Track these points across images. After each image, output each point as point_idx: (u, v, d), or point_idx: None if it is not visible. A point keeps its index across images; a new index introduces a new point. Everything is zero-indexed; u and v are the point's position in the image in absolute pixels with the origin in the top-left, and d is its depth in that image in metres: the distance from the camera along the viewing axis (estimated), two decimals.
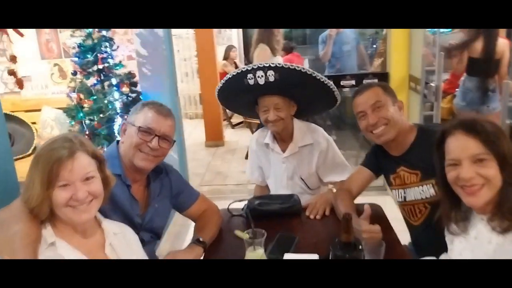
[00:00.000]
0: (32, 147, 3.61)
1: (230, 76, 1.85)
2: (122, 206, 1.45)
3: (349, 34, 4.67)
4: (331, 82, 1.84)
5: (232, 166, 4.90)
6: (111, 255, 1.21)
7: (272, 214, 1.75)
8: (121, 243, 1.26)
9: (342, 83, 3.60)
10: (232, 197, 3.98)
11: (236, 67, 6.58)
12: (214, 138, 5.73)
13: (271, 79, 1.77)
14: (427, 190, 1.61)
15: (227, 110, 6.48)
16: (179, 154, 3.82)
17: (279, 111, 1.88)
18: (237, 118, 6.61)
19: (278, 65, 1.75)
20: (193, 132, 6.46)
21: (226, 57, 6.53)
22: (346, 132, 5.57)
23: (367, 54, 5.48)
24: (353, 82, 3.59)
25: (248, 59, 6.44)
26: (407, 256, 1.51)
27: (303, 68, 1.76)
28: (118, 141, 1.54)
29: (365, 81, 3.54)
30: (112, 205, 1.40)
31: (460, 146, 1.17)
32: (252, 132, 5.07)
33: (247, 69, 1.79)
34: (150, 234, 1.54)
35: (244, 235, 1.33)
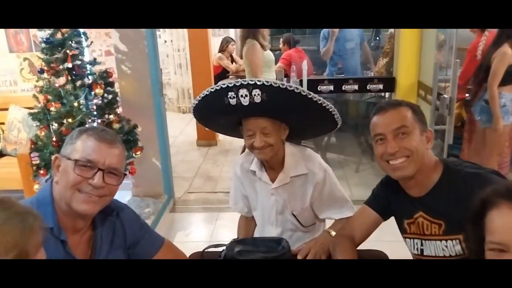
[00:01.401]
0: None
1: (207, 93, 1.50)
2: None
3: (353, 30, 4.30)
4: (331, 105, 1.50)
5: (224, 170, 4.57)
6: None
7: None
8: None
9: (344, 87, 3.26)
10: (220, 208, 3.68)
11: (233, 61, 6.21)
12: (206, 137, 5.38)
13: (257, 99, 1.42)
14: (451, 247, 1.28)
15: None
16: (163, 159, 3.49)
17: (267, 136, 1.54)
18: None
19: (266, 83, 1.40)
20: (185, 128, 6.12)
21: (222, 50, 6.14)
22: (346, 135, 5.21)
23: (371, 53, 5.13)
24: (355, 87, 3.25)
25: None
26: None
27: (297, 88, 1.41)
28: (51, 183, 1.20)
29: (369, 86, 3.20)
30: None
31: (510, 226, 0.84)
32: None
33: (227, 86, 1.44)
34: None
35: None
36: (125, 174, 1.22)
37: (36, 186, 2.77)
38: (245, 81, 1.40)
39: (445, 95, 2.55)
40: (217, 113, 1.57)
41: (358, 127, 4.96)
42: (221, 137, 5.60)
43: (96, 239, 1.23)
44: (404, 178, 1.34)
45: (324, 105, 1.46)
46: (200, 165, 4.79)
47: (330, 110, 1.49)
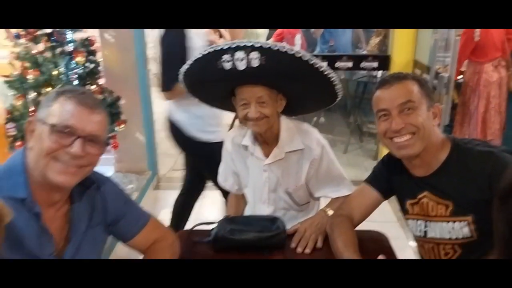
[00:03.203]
0: None
1: (200, 56, 1.37)
2: (27, 245, 1.00)
3: None
4: (334, 74, 1.38)
5: None
6: None
7: (246, 245, 1.33)
8: None
9: (337, 65, 3.14)
10: (207, 186, 3.59)
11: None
12: None
13: (255, 63, 1.30)
14: (459, 229, 1.20)
15: None
16: (147, 134, 3.35)
17: (263, 106, 1.42)
18: None
19: (265, 45, 1.27)
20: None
21: None
22: (336, 115, 5.15)
23: (363, 32, 5.03)
24: (350, 64, 3.13)
25: None
26: None
27: (299, 52, 1.29)
28: (24, 150, 1.07)
29: (364, 64, 3.10)
30: (12, 245, 0.95)
31: None
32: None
33: (221, 48, 1.31)
34: None
35: None
36: (108, 144, 1.09)
37: None
38: (242, 42, 1.27)
39: (443, 74, 2.46)
40: (209, 80, 1.44)
41: (348, 107, 4.89)
42: None
43: (73, 214, 1.10)
44: (410, 156, 1.25)
45: (326, 73, 1.35)
46: None
47: (332, 79, 1.38)
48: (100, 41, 2.93)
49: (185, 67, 1.44)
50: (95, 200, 1.16)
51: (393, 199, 1.43)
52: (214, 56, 1.33)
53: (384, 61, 3.15)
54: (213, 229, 1.39)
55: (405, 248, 2.41)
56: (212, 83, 1.46)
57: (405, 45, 3.03)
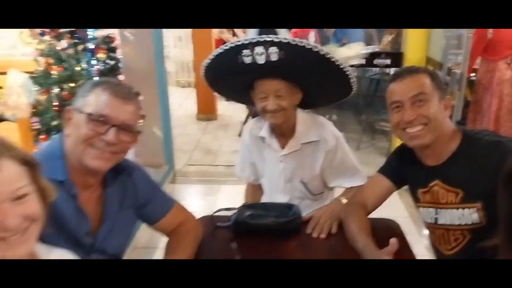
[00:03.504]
0: None
1: (221, 51, 1.44)
2: (66, 224, 1.08)
3: None
4: (348, 68, 1.45)
5: (223, 145, 4.53)
6: None
7: (264, 229, 1.40)
8: None
9: (351, 62, 3.19)
10: (221, 181, 3.66)
11: (234, 34, 6.08)
12: (206, 111, 5.33)
13: (274, 58, 1.37)
14: (468, 215, 1.26)
15: None
16: (164, 129, 3.44)
17: (280, 99, 1.49)
18: None
19: (284, 40, 1.35)
20: (184, 102, 6.04)
21: None
22: (348, 113, 5.19)
23: (375, 30, 5.05)
24: (363, 61, 3.18)
25: None
26: None
27: (316, 47, 1.36)
28: (61, 136, 1.15)
29: (376, 61, 3.14)
30: (53, 223, 1.03)
31: None
32: (248, 107, 4.67)
33: (242, 43, 1.38)
34: (104, 257, 1.17)
35: None
36: (139, 132, 1.17)
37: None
38: (261, 37, 1.35)
39: (456, 70, 2.50)
40: (229, 74, 1.52)
41: (360, 104, 4.92)
42: (220, 111, 5.54)
43: (106, 197, 1.19)
44: (422, 146, 1.30)
45: (341, 67, 1.42)
46: (199, 138, 4.75)
47: (347, 73, 1.45)
48: (120, 38, 3.02)
49: (206, 61, 1.52)
50: (126, 185, 1.24)
51: (406, 194, 1.47)
52: (235, 50, 1.40)
53: (397, 58, 3.19)
54: (233, 214, 1.47)
55: (417, 244, 2.45)
56: (232, 77, 1.54)
57: (418, 42, 3.07)
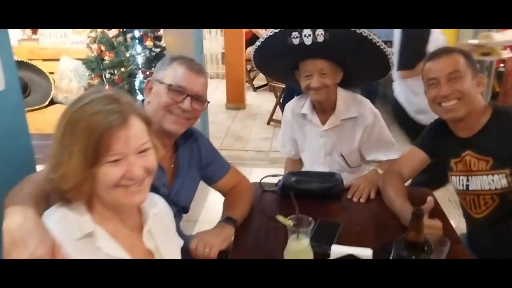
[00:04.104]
0: (49, 99, 3.44)
1: (272, 34, 1.61)
2: None
3: None
4: (387, 48, 1.60)
5: (252, 132, 4.70)
6: (148, 243, 1.01)
7: (310, 194, 1.56)
8: (159, 227, 1.06)
9: None
10: (253, 164, 3.83)
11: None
12: (235, 101, 5.50)
13: (320, 39, 1.53)
14: (497, 181, 1.39)
15: (250, 72, 6.24)
16: (202, 116, 3.62)
17: (324, 77, 1.65)
18: (259, 81, 6.35)
19: None
20: (213, 93, 6.23)
21: None
22: (375, 104, 5.24)
23: None
24: (393, 50, 3.28)
25: None
26: (467, 255, 1.31)
27: (358, 29, 1.51)
28: (142, 101, 1.35)
29: None
30: None
31: None
32: (276, 97, 4.83)
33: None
34: (176, 208, 1.36)
35: (288, 222, 1.14)
36: (208, 102, 1.35)
37: None
38: None
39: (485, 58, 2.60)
40: (277, 55, 1.68)
41: (389, 95, 4.98)
42: (249, 101, 5.71)
43: (178, 157, 1.38)
44: (455, 119, 1.44)
45: (382, 47, 1.56)
46: (229, 126, 4.93)
47: (387, 53, 1.59)
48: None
49: (257, 43, 1.69)
50: (193, 148, 1.43)
51: None
52: (285, 33, 1.57)
53: None
54: (279, 180, 1.63)
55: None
56: (279, 58, 1.70)
57: (446, 32, 3.15)
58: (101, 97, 0.90)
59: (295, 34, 1.56)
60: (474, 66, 1.45)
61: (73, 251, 0.87)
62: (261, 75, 6.11)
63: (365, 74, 1.78)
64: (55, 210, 0.92)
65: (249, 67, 5.93)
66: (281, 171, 1.89)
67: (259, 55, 1.74)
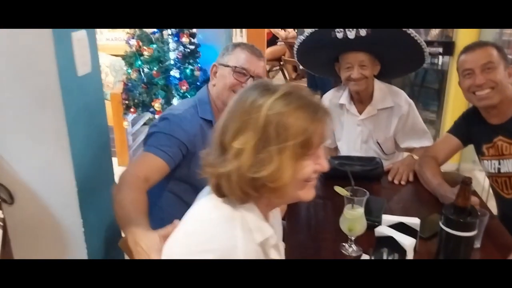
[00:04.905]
0: None
1: (317, 29, 1.75)
2: None
3: None
4: (423, 42, 1.72)
5: None
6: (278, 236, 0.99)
7: (353, 175, 1.68)
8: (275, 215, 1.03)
9: None
10: None
11: (284, 30, 6.39)
12: None
13: (363, 33, 1.66)
14: None
15: (269, 72, 6.37)
16: None
17: (363, 68, 1.78)
18: (277, 81, 6.48)
19: None
20: None
21: None
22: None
23: None
24: None
25: None
26: (502, 227, 1.43)
27: None
28: (207, 86, 1.49)
29: (429, 49, 3.36)
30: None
31: None
32: (286, 80, 4.98)
33: None
34: None
35: (345, 192, 1.27)
36: None
37: (125, 123, 3.11)
38: None
39: (510, 56, 2.70)
40: (319, 48, 1.81)
41: (415, 91, 5.03)
42: None
43: None
44: (489, 107, 1.56)
45: (418, 41, 1.69)
46: None
47: (422, 46, 1.72)
48: None
49: (301, 37, 1.82)
50: None
51: None
52: (330, 28, 1.70)
53: (448, 46, 3.40)
54: None
55: None
56: (320, 51, 1.83)
57: (469, 31, 3.26)
58: (291, 91, 0.85)
59: (339, 28, 1.69)
60: (506, 58, 1.57)
61: (252, 254, 0.82)
62: (279, 76, 6.26)
63: (401, 66, 1.91)
64: (231, 215, 0.85)
65: (268, 67, 6.08)
66: None
67: (303, 47, 1.87)
